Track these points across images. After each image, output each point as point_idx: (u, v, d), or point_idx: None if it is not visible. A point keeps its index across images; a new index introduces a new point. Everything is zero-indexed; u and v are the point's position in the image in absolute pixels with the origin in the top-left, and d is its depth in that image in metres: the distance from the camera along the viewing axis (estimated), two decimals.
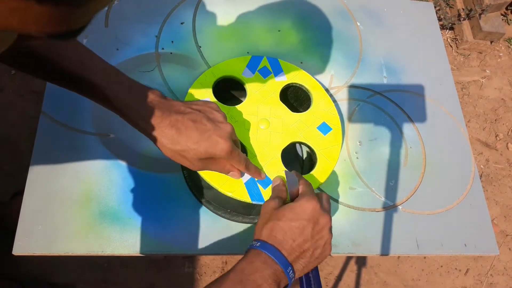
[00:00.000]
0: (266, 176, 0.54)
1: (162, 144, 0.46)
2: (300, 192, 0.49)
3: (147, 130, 0.46)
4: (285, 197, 0.50)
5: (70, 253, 0.56)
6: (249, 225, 0.63)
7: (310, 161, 0.63)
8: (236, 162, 0.49)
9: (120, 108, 0.46)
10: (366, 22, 0.87)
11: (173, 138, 0.46)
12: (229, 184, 0.52)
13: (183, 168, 0.64)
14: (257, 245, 0.43)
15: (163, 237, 0.59)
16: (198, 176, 0.54)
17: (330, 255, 0.47)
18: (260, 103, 0.58)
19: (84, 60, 0.46)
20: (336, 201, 0.68)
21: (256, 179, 0.53)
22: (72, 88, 0.49)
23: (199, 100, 0.53)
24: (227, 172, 0.51)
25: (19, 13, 0.19)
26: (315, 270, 0.48)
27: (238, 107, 0.57)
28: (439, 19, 1.87)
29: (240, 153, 0.50)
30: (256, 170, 0.53)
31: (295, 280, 0.45)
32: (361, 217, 0.67)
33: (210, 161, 0.48)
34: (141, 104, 0.46)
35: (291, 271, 0.43)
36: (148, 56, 0.72)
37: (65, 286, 1.18)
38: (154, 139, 0.47)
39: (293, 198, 0.49)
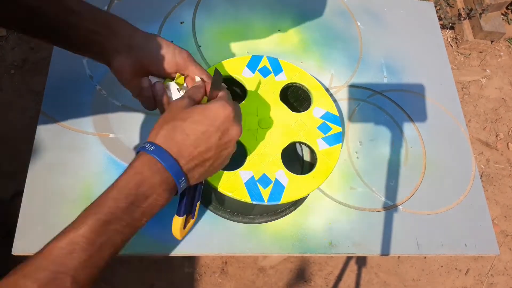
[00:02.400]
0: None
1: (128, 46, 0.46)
2: (216, 94, 0.44)
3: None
4: (199, 100, 0.44)
5: None
6: (249, 225, 0.63)
7: (310, 161, 0.62)
8: (196, 67, 0.48)
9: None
10: (367, 22, 0.87)
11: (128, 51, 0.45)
12: (229, 184, 0.52)
13: None
14: (150, 148, 0.37)
15: (163, 237, 0.59)
16: None
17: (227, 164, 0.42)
18: (260, 103, 0.58)
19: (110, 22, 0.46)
20: (336, 201, 0.68)
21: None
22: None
23: None
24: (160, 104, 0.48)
25: None
26: (199, 194, 0.44)
27: None
28: (440, 19, 1.87)
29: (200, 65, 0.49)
30: (208, 75, 0.49)
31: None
32: (361, 217, 0.67)
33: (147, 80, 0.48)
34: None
35: (183, 182, 0.38)
36: None
37: None
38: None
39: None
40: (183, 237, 0.44)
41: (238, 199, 0.51)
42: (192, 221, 0.48)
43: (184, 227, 0.47)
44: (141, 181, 0.35)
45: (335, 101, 0.76)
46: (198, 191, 0.47)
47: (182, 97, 0.43)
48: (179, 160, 0.37)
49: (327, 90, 0.77)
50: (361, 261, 1.39)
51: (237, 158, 0.58)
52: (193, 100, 0.42)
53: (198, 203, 0.48)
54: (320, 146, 0.57)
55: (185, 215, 0.45)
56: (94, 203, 0.35)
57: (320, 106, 0.61)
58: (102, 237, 0.33)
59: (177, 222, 0.45)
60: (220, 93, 0.44)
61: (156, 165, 0.36)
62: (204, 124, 0.38)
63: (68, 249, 0.32)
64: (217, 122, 0.39)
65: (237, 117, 0.42)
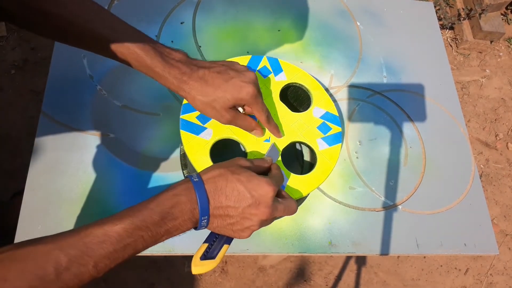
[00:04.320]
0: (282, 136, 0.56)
1: (193, 97, 0.49)
2: (273, 173, 0.48)
3: (179, 86, 0.49)
4: (261, 170, 0.48)
5: None
6: None
7: (310, 161, 0.63)
8: (260, 109, 0.51)
9: (153, 70, 0.49)
10: (366, 22, 0.87)
11: (202, 90, 0.49)
12: None
13: (183, 168, 0.64)
14: (195, 179, 0.42)
15: None
16: None
17: (245, 237, 0.44)
18: None
19: (113, 25, 0.48)
20: (336, 201, 0.68)
21: (274, 137, 0.55)
22: (98, 51, 0.50)
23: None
24: (252, 129, 0.53)
25: None
26: (228, 238, 0.46)
27: None
28: (439, 19, 1.87)
29: (263, 102, 0.52)
30: (275, 126, 0.54)
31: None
32: (361, 217, 0.67)
33: (238, 115, 0.51)
34: (172, 64, 0.49)
35: (205, 221, 0.42)
36: None
37: None
38: (185, 94, 0.50)
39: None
40: (197, 272, 0.44)
41: None
42: (211, 261, 0.45)
43: (202, 258, 0.45)
44: (176, 203, 0.40)
45: (335, 101, 0.76)
46: (226, 238, 0.47)
47: (249, 160, 0.48)
48: (210, 201, 0.42)
49: (327, 90, 0.77)
50: (361, 261, 1.39)
51: None
52: (255, 166, 0.47)
53: (224, 248, 0.46)
54: (320, 146, 0.57)
55: (206, 244, 0.45)
56: (134, 207, 0.39)
57: (320, 106, 0.61)
58: (130, 238, 0.37)
59: (200, 247, 0.46)
60: (274, 172, 0.48)
61: (191, 195, 0.41)
62: (244, 186, 0.42)
63: (100, 239, 0.36)
64: (255, 191, 0.43)
65: (276, 204, 0.44)
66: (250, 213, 0.43)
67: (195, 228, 0.43)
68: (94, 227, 0.36)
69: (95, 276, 0.35)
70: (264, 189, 0.43)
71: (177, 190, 0.41)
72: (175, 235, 0.41)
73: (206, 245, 0.45)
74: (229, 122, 0.52)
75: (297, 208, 0.48)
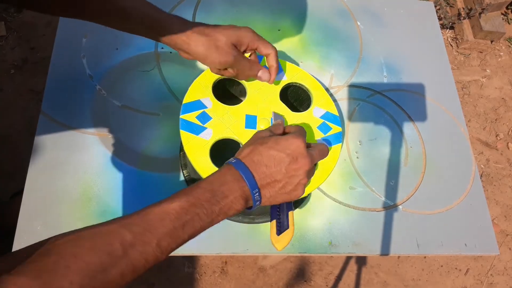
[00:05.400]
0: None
1: (195, 42, 0.51)
2: (293, 130, 0.50)
3: (180, 38, 0.52)
4: (279, 134, 0.50)
5: None
6: (249, 225, 0.63)
7: None
8: (266, 44, 0.55)
9: (158, 26, 0.51)
10: (366, 22, 0.87)
11: (203, 34, 0.51)
12: None
13: (183, 168, 0.64)
14: (233, 161, 0.44)
15: None
16: (198, 176, 0.54)
17: (301, 197, 0.47)
18: (260, 103, 0.58)
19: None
20: (336, 201, 0.68)
21: (268, 76, 0.58)
22: (111, 16, 0.52)
23: None
24: (257, 71, 0.57)
25: None
26: (288, 205, 0.48)
27: (238, 106, 0.57)
28: (439, 19, 1.87)
29: (267, 41, 0.56)
30: (278, 66, 0.58)
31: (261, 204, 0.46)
32: (361, 217, 0.67)
33: (242, 55, 0.54)
34: (179, 22, 0.52)
35: (257, 194, 0.44)
36: (147, 56, 0.72)
37: None
38: (186, 41, 0.52)
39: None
40: (282, 248, 0.47)
41: None
42: (288, 231, 0.48)
43: (278, 234, 0.48)
44: (224, 182, 0.42)
45: (335, 101, 0.76)
46: (286, 204, 0.49)
47: (266, 129, 0.50)
48: (254, 175, 0.43)
49: (327, 90, 0.77)
50: (361, 261, 1.39)
51: None
52: (273, 133, 0.49)
53: (291, 215, 0.48)
54: None
55: (274, 220, 0.47)
56: (187, 188, 0.41)
57: (320, 106, 0.61)
58: (187, 215, 0.38)
59: (271, 226, 0.48)
60: (295, 128, 0.50)
61: (236, 174, 0.43)
62: (276, 150, 0.45)
63: (160, 216, 0.37)
64: (288, 149, 0.45)
65: (311, 152, 0.47)
66: (293, 169, 0.44)
67: (250, 208, 0.44)
68: (152, 207, 0.38)
69: (159, 256, 0.36)
70: (294, 143, 0.45)
71: (221, 172, 0.43)
72: (230, 215, 0.42)
73: (274, 221, 0.47)
74: (234, 61, 0.53)
75: (329, 149, 0.51)
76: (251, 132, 0.55)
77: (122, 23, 0.52)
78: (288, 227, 0.47)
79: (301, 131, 0.50)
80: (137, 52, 0.72)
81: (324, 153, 0.50)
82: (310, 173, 0.47)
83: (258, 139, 0.47)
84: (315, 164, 0.49)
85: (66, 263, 0.30)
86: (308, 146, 0.49)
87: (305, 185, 0.46)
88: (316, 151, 0.48)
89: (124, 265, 0.34)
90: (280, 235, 0.46)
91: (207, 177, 0.43)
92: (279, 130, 0.51)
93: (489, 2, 1.78)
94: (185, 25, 0.52)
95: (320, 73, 0.78)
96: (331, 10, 0.86)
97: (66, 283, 0.30)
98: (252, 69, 0.56)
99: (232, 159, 0.45)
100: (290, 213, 0.48)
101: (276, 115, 0.57)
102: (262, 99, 0.59)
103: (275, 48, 0.56)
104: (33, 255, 0.31)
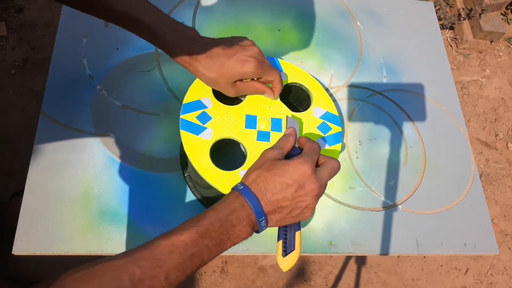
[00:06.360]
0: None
1: (200, 73, 0.53)
2: (305, 148, 0.49)
3: (189, 63, 0.53)
4: (289, 149, 0.50)
5: (69, 253, 0.56)
6: None
7: None
8: (269, 76, 0.55)
9: (166, 45, 0.53)
10: (366, 22, 0.87)
11: (208, 66, 0.52)
12: (229, 184, 0.52)
13: (183, 168, 0.64)
14: (240, 188, 0.44)
15: None
16: (198, 176, 0.54)
17: (311, 218, 0.48)
18: (260, 103, 0.58)
19: (133, 1, 0.52)
20: (336, 201, 0.68)
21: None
22: (120, 24, 0.53)
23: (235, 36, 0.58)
24: (262, 92, 0.57)
25: None
26: (296, 225, 0.48)
27: (238, 106, 0.57)
28: (439, 19, 1.87)
29: (271, 66, 0.55)
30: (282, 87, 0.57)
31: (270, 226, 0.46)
32: (361, 217, 0.67)
33: (244, 85, 0.55)
34: (185, 41, 0.52)
35: (263, 221, 0.44)
36: (148, 56, 0.72)
37: None
38: (193, 70, 0.53)
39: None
40: (287, 269, 0.46)
41: None
42: (293, 253, 0.47)
43: (284, 255, 0.47)
44: (232, 211, 0.42)
45: (334, 101, 0.76)
46: (294, 225, 0.48)
47: (273, 147, 0.49)
48: (261, 202, 0.43)
49: (327, 90, 0.77)
50: (361, 261, 1.39)
51: (237, 158, 0.58)
52: (282, 149, 0.49)
53: (298, 235, 0.48)
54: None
55: (280, 241, 0.47)
56: (195, 217, 0.41)
57: (320, 106, 0.61)
58: (196, 247, 0.39)
59: (277, 246, 0.48)
60: (306, 146, 0.49)
61: (243, 201, 0.43)
62: (282, 177, 0.44)
63: (169, 249, 0.37)
64: (293, 176, 0.44)
65: (319, 174, 0.46)
66: (300, 195, 0.44)
67: (257, 232, 0.45)
68: (162, 239, 0.38)
69: None
70: (300, 170, 0.44)
71: (229, 199, 0.43)
72: (237, 243, 0.42)
73: (280, 242, 0.47)
74: (237, 94, 0.55)
75: (340, 164, 0.49)
76: (251, 132, 0.55)
77: (128, 29, 0.54)
78: (294, 249, 0.46)
79: (311, 151, 0.48)
80: (137, 52, 0.72)
81: (335, 171, 0.48)
82: (319, 196, 0.46)
83: (266, 162, 0.46)
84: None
85: None
86: (317, 165, 0.48)
87: (313, 208, 0.46)
88: (325, 172, 0.46)
89: None
90: (286, 257, 0.46)
91: (215, 205, 0.43)
92: (289, 145, 0.50)
93: (489, 2, 1.79)
94: (190, 48, 0.52)
95: (320, 73, 0.79)
96: (331, 10, 0.87)
97: None
98: (256, 92, 0.57)
99: (239, 185, 0.45)
100: (297, 233, 0.47)
101: (290, 120, 0.56)
102: (262, 99, 0.59)
103: (278, 72, 0.56)
104: None
